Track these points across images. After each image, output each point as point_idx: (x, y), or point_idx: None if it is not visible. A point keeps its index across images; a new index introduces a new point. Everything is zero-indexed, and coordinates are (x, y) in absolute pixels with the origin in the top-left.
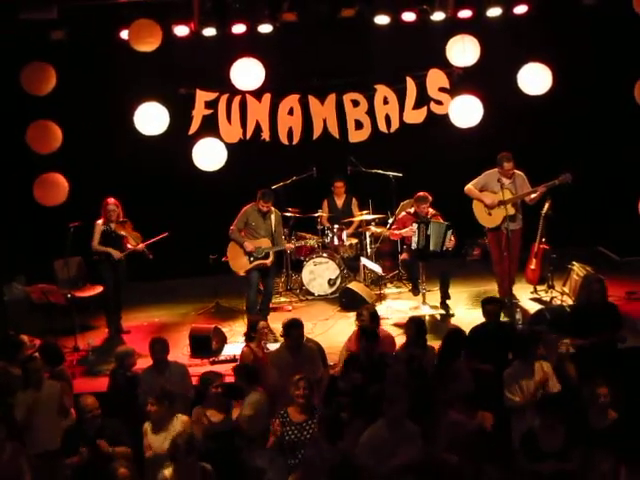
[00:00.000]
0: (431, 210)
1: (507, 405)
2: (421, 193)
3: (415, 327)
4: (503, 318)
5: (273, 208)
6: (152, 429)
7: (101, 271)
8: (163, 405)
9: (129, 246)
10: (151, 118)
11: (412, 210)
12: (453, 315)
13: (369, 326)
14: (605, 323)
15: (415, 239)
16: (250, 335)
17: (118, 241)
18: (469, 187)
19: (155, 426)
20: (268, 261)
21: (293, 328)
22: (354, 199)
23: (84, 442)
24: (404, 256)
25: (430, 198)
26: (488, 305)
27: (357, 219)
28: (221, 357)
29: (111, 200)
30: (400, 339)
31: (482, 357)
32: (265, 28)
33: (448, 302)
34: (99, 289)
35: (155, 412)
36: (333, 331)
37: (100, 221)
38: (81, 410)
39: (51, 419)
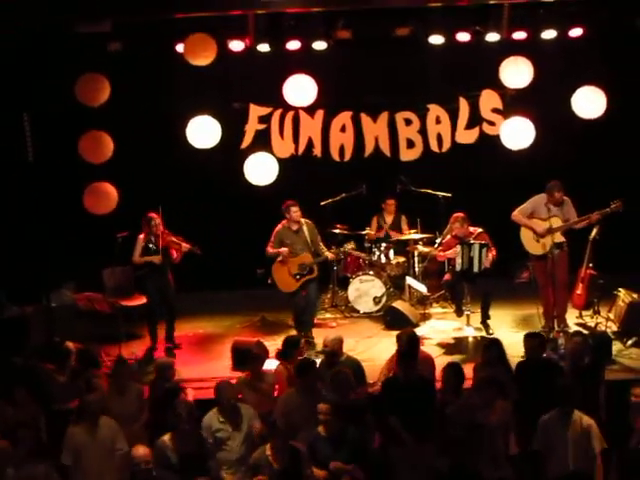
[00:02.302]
0: (476, 229)
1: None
2: (453, 216)
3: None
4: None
5: (303, 220)
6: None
7: (146, 284)
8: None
9: (175, 255)
10: (203, 131)
11: (455, 232)
12: (492, 334)
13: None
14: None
15: (459, 261)
16: (287, 353)
17: (159, 252)
18: (517, 214)
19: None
20: (314, 275)
21: (306, 370)
22: (403, 217)
23: None
24: (447, 277)
25: (460, 218)
26: (529, 340)
27: (405, 237)
28: None
29: (152, 214)
30: (440, 360)
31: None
32: (320, 45)
33: (488, 322)
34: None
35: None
36: (376, 349)
37: (142, 236)
38: (131, 461)
39: (102, 461)
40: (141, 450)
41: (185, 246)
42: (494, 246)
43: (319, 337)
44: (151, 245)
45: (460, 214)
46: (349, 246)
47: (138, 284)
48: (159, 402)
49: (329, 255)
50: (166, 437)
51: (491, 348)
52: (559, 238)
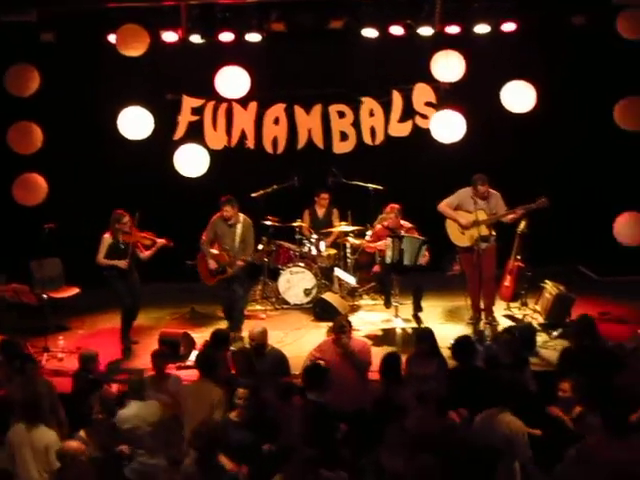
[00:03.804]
0: (406, 223)
1: None
2: (389, 206)
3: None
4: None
5: (242, 216)
6: None
7: (115, 286)
8: None
9: (146, 253)
10: (135, 122)
11: (386, 223)
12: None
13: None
14: None
15: (389, 253)
16: (215, 347)
17: (128, 252)
18: (443, 206)
19: None
20: (226, 275)
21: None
22: (335, 210)
23: None
24: (376, 269)
25: (396, 209)
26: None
27: (336, 230)
28: (188, 362)
29: (120, 211)
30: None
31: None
32: (253, 37)
33: (420, 315)
34: (75, 290)
35: None
36: (304, 340)
37: (107, 235)
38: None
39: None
40: (74, 444)
41: (160, 241)
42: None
43: (247, 329)
44: (119, 243)
45: (396, 205)
46: (257, 254)
47: (108, 286)
48: (81, 394)
49: (238, 262)
50: (82, 432)
51: (424, 340)
52: (485, 231)
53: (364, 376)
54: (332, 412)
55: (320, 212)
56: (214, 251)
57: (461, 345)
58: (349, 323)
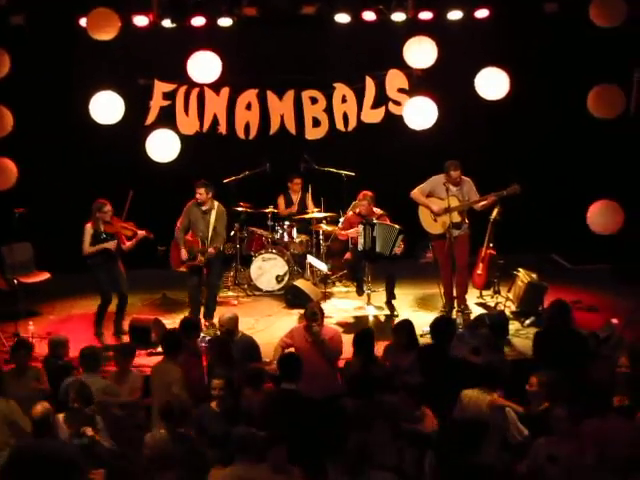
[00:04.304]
0: (378, 210)
1: None
2: (362, 193)
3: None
4: None
5: (217, 204)
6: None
7: (97, 275)
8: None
9: (128, 244)
10: (107, 107)
11: (359, 210)
12: (397, 316)
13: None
14: None
15: (361, 240)
16: (186, 335)
17: (113, 239)
18: (415, 193)
19: None
20: (196, 262)
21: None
22: (309, 195)
23: None
24: (348, 256)
25: (368, 196)
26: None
27: (309, 216)
28: (159, 349)
29: (102, 200)
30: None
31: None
32: (225, 22)
33: (393, 302)
34: (46, 275)
35: None
36: (275, 327)
37: (89, 224)
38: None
39: None
40: (39, 406)
41: (141, 233)
42: None
43: (218, 315)
44: (101, 232)
45: (369, 192)
46: (227, 245)
47: (91, 276)
48: (51, 380)
49: (210, 250)
50: (60, 417)
51: (401, 331)
52: (457, 218)
53: (334, 364)
54: (308, 401)
55: (294, 197)
56: (188, 238)
57: (440, 325)
58: (321, 310)
